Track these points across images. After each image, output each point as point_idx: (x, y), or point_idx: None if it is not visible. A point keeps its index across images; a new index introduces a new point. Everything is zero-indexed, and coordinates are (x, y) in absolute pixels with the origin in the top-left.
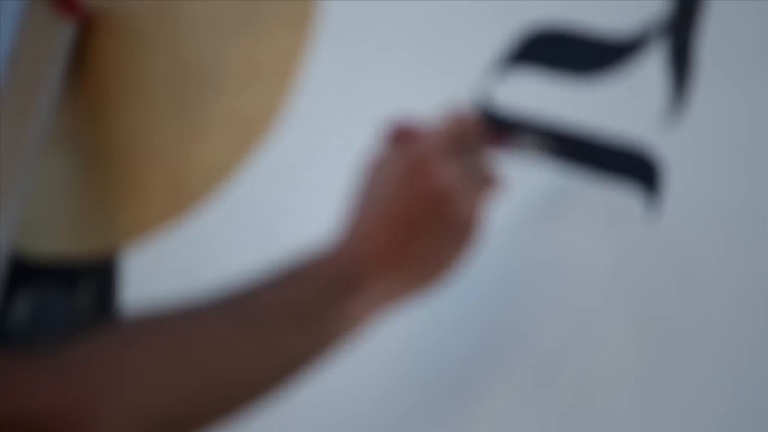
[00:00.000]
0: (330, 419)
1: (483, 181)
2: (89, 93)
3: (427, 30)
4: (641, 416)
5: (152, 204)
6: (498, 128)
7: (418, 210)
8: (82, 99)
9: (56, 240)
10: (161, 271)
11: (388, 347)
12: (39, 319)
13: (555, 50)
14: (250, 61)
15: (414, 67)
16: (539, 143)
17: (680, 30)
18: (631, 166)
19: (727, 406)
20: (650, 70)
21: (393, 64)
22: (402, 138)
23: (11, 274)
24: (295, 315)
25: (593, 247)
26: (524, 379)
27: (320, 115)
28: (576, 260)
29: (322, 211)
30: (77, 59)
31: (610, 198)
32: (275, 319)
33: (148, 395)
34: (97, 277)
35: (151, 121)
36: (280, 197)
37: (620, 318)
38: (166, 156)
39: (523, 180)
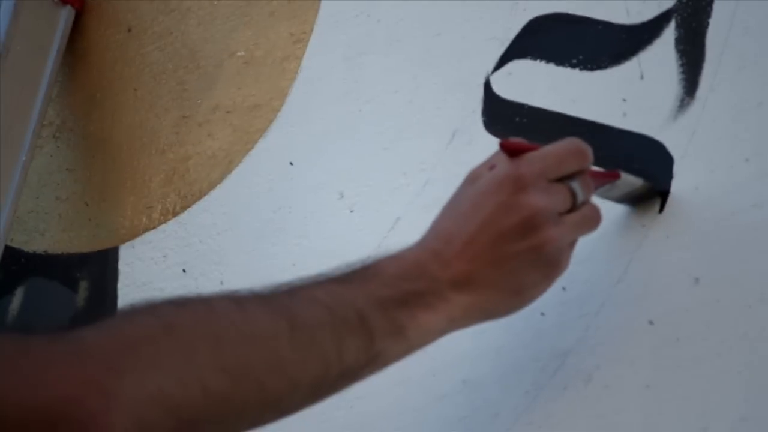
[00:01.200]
0: (332, 416)
1: (582, 216)
2: (86, 84)
3: (430, 21)
4: (652, 413)
5: (151, 198)
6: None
7: (507, 226)
8: (79, 90)
9: (53, 234)
10: (160, 266)
11: None
12: (35, 313)
13: (562, 37)
14: (251, 52)
15: (416, 59)
16: (635, 189)
17: (691, 17)
18: (641, 158)
19: (738, 403)
20: (660, 57)
21: (395, 55)
22: (510, 154)
23: (7, 267)
24: (354, 318)
25: (604, 243)
26: (533, 375)
27: (321, 107)
28: (587, 257)
29: (323, 204)
30: (74, 49)
31: None
32: (330, 318)
33: (172, 384)
34: (94, 272)
35: (150, 113)
36: (280, 190)
37: (632, 314)
38: (166, 149)
39: None
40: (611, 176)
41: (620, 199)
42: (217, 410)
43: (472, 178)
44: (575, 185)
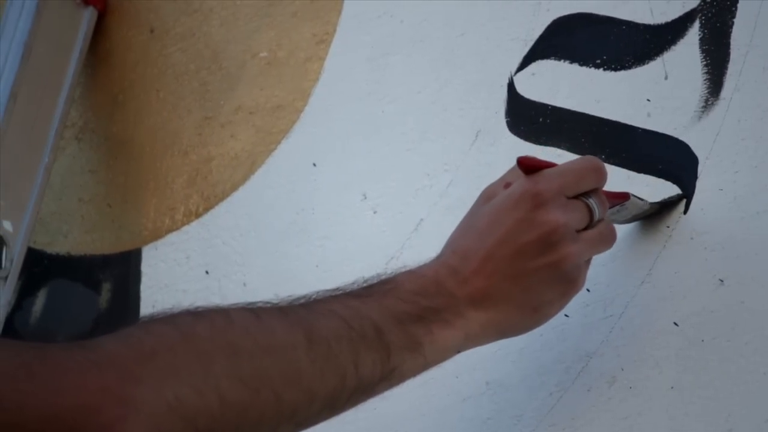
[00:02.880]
0: (356, 418)
1: (599, 233)
2: (109, 85)
3: (453, 21)
4: (677, 415)
5: (174, 199)
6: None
7: (526, 242)
8: (101, 92)
9: (76, 236)
10: (182, 267)
11: None
12: (57, 315)
13: (586, 37)
14: (274, 53)
15: (440, 59)
16: (643, 212)
17: (716, 17)
18: (665, 158)
19: (764, 404)
20: (684, 57)
21: (418, 56)
22: (527, 171)
23: (30, 269)
24: (370, 332)
25: (629, 244)
26: (556, 376)
27: (344, 107)
28: (611, 258)
29: (346, 205)
30: (97, 50)
31: (646, 195)
32: (347, 332)
33: (189, 392)
34: (117, 273)
35: (173, 114)
36: (303, 191)
37: (656, 315)
38: (188, 150)
39: None
40: (620, 197)
41: (627, 221)
42: (234, 420)
43: (488, 196)
44: (592, 202)
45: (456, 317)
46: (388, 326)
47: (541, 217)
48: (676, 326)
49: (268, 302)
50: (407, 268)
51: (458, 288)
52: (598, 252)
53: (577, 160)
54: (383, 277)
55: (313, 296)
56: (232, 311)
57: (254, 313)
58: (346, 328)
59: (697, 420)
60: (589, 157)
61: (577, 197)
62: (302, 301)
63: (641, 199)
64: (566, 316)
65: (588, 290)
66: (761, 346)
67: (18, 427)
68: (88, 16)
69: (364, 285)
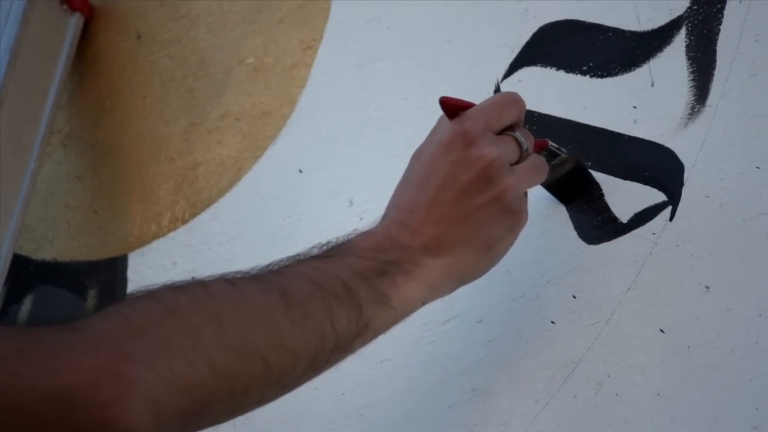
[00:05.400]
0: (341, 424)
1: (531, 164)
2: (95, 91)
3: (440, 28)
4: (662, 421)
5: (160, 205)
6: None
7: (466, 180)
8: (88, 98)
9: (62, 242)
10: (169, 274)
11: (402, 350)
12: (43, 320)
13: (572, 44)
14: (261, 59)
15: (427, 66)
16: (561, 166)
17: (702, 24)
18: (651, 165)
19: (749, 411)
20: (671, 64)
21: (405, 62)
22: (450, 114)
23: (15, 275)
24: (340, 290)
25: (614, 251)
26: (542, 383)
27: (330, 114)
28: (597, 265)
29: (332, 211)
30: (83, 56)
31: (631, 202)
32: (319, 291)
33: (181, 364)
34: (103, 280)
35: (160, 120)
36: (289, 198)
37: (642, 322)
38: (175, 156)
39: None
40: (539, 146)
41: (548, 181)
42: (226, 388)
43: (418, 155)
44: (519, 135)
45: (415, 267)
46: (355, 283)
47: (474, 154)
48: (662, 333)
49: (239, 272)
50: (358, 232)
51: (411, 239)
52: (534, 183)
53: (494, 96)
54: (338, 241)
55: (279, 263)
56: (210, 282)
57: (230, 282)
58: (317, 288)
59: (683, 426)
60: (506, 91)
61: (503, 133)
62: (270, 267)
63: (561, 150)
64: (552, 323)
65: (574, 297)
66: (747, 352)
67: (14, 410)
68: (74, 23)
69: (323, 249)
